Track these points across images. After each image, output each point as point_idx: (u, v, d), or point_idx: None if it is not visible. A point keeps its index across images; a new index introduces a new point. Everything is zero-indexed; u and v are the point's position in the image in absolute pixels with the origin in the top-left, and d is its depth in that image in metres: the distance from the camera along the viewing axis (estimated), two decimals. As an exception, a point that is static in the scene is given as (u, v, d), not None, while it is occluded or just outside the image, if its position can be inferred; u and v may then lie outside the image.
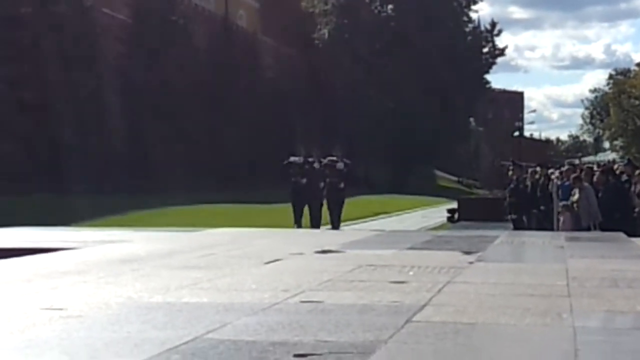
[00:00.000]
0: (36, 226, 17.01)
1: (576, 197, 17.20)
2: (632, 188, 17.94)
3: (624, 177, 18.36)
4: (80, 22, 42.06)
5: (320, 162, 20.27)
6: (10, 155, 37.15)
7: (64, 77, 38.98)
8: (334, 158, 20.08)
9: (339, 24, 69.46)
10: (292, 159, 20.13)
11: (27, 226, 16.79)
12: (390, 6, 73.98)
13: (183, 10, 54.42)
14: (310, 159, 20.25)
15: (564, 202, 17.31)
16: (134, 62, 45.03)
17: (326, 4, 70.10)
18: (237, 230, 17.46)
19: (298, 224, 19.85)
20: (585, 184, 17.61)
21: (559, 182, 18.76)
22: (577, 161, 59.12)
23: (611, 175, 18.75)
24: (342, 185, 19.81)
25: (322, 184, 19.87)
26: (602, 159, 67.71)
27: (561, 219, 17.46)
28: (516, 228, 18.35)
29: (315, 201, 19.68)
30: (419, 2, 67.39)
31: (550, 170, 20.34)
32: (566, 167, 20.73)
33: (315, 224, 19.84)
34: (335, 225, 19.68)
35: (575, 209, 17.18)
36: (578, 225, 17.03)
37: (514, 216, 19.02)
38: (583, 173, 18.51)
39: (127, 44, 46.49)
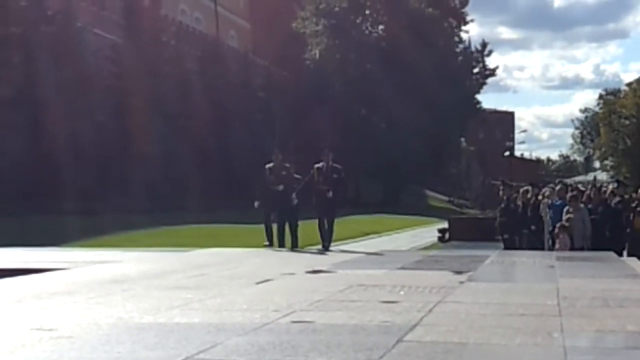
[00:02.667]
0: (26, 247, 16.97)
1: (568, 216, 17.22)
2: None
3: (617, 199, 18.39)
4: (72, 42, 42.10)
5: (295, 178, 17.85)
6: (1, 176, 37.05)
7: (55, 97, 38.95)
8: (321, 164, 17.47)
9: (330, 45, 69.62)
10: (267, 166, 17.61)
11: (18, 247, 16.75)
12: (381, 27, 74.20)
13: (174, 30, 54.55)
14: (287, 165, 17.81)
15: (561, 223, 17.31)
16: (125, 82, 45.02)
17: (317, 24, 70.26)
18: (228, 251, 17.45)
19: (269, 240, 17.40)
20: (581, 205, 17.65)
21: (549, 202, 18.75)
22: (568, 180, 59.36)
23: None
24: (330, 193, 17.19)
25: (294, 196, 17.43)
26: (592, 178, 67.91)
27: (557, 240, 17.42)
28: (507, 248, 18.35)
29: (291, 211, 17.37)
30: (410, 23, 67.58)
31: (543, 190, 20.35)
32: (559, 186, 20.77)
33: (294, 240, 17.52)
34: (326, 245, 17.39)
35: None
36: (571, 245, 17.05)
37: (505, 236, 18.99)
38: (577, 192, 18.58)
39: (118, 65, 46.52)
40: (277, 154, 17.87)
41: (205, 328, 6.60)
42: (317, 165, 17.49)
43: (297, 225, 17.78)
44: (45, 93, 38.88)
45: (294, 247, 17.60)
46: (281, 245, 17.55)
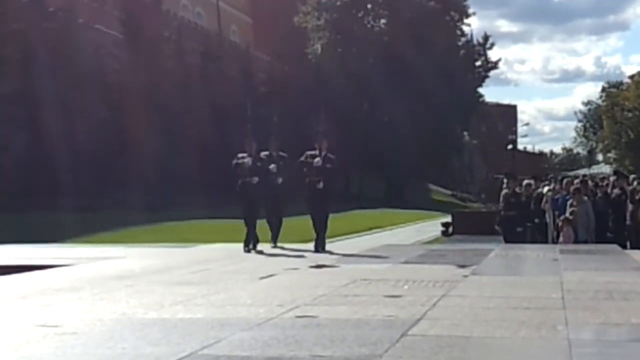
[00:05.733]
0: (30, 243, 16.97)
1: (572, 209, 17.18)
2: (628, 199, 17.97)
3: (618, 191, 18.35)
4: (73, 38, 42.09)
5: (280, 156, 16.05)
6: (2, 173, 37.08)
7: (56, 93, 38.95)
8: (314, 152, 15.47)
9: (331, 39, 69.55)
10: (239, 156, 15.73)
11: (21, 243, 16.75)
12: (382, 21, 74.13)
13: (176, 26, 54.53)
14: (263, 154, 15.86)
15: (564, 216, 17.26)
16: (126, 78, 45.01)
17: (319, 19, 70.21)
18: (231, 246, 17.43)
19: (248, 241, 15.62)
20: (585, 197, 17.59)
21: (557, 196, 18.65)
22: (571, 173, 59.36)
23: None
24: (321, 185, 15.18)
25: (280, 180, 15.80)
26: (595, 171, 67.94)
27: (561, 233, 17.36)
28: (511, 241, 18.25)
29: (274, 201, 15.90)
30: (412, 17, 67.56)
31: (545, 184, 20.27)
32: (565, 180, 20.73)
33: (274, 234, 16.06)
34: (321, 243, 15.31)
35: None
36: (575, 238, 17.03)
37: (519, 229, 18.82)
38: (582, 185, 18.52)
39: (119, 60, 46.49)
40: (251, 143, 15.90)
41: (209, 323, 6.60)
42: (309, 153, 15.66)
43: (281, 218, 16.41)
44: (46, 89, 38.89)
45: (274, 241, 16.16)
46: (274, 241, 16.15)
